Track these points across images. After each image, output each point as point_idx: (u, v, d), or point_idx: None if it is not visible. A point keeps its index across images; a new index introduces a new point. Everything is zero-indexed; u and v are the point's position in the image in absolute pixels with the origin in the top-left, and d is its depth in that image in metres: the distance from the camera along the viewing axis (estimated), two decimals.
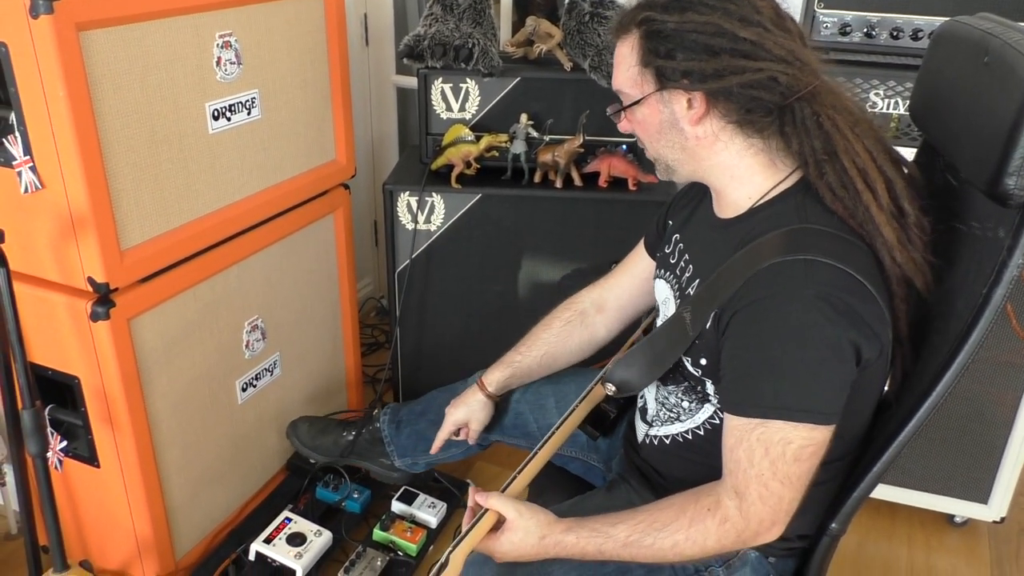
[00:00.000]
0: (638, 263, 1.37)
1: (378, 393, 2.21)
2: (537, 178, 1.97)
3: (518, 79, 1.93)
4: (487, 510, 1.10)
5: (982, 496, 1.86)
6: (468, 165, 1.94)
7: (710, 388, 1.07)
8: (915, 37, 1.66)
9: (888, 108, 1.70)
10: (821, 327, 0.92)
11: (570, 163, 1.92)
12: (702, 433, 1.12)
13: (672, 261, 1.19)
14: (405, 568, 1.71)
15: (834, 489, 1.10)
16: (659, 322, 1.24)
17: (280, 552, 1.64)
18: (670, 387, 1.16)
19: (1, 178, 1.31)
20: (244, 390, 1.73)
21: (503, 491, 1.16)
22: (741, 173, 1.05)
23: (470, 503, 1.14)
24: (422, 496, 1.84)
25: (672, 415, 1.16)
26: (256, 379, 1.76)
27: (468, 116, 1.97)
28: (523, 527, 1.07)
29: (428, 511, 1.81)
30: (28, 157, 1.27)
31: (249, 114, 1.57)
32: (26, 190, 1.28)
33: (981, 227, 0.99)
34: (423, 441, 1.62)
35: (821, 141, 0.99)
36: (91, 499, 1.58)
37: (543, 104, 1.94)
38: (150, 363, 1.47)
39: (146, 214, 1.39)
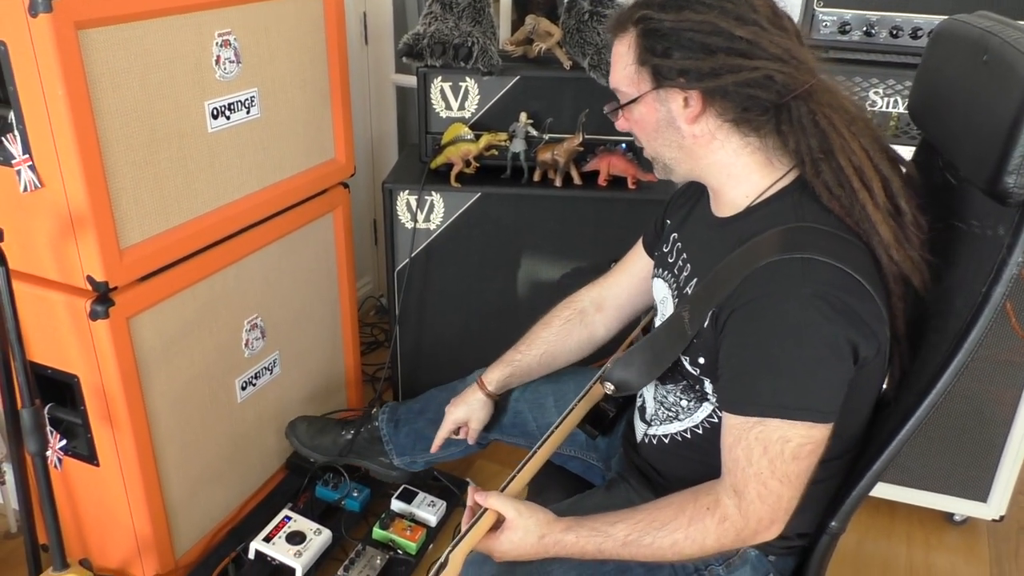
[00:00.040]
0: (636, 262, 1.37)
1: (377, 392, 2.21)
2: (536, 177, 1.97)
3: (517, 78, 1.93)
4: (486, 509, 1.10)
5: (981, 494, 1.86)
6: (467, 164, 1.94)
7: (708, 387, 1.07)
8: (914, 35, 1.66)
9: (887, 107, 1.70)
10: (818, 325, 0.92)
11: (569, 162, 1.92)
12: (700, 432, 1.12)
13: (670, 260, 1.19)
14: (405, 567, 1.71)
15: (833, 487, 1.10)
16: (657, 321, 1.24)
17: (280, 550, 1.64)
18: (668, 386, 1.16)
19: (0, 177, 1.31)
20: (243, 389, 1.73)
21: (502, 490, 1.16)
22: (738, 172, 1.05)
23: (469, 502, 1.14)
24: (421, 495, 1.84)
25: (671, 414, 1.16)
26: (255, 378, 1.76)
27: (467, 115, 1.97)
28: (522, 526, 1.07)
29: (427, 510, 1.81)
30: (27, 156, 1.27)
31: (248, 113, 1.57)
32: (25, 189, 1.28)
33: (980, 225, 0.99)
34: (422, 440, 1.62)
35: (817, 139, 0.99)
36: (91, 498, 1.58)
37: (542, 103, 1.94)
38: (149, 362, 1.47)
39: (145, 213, 1.39)
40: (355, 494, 1.83)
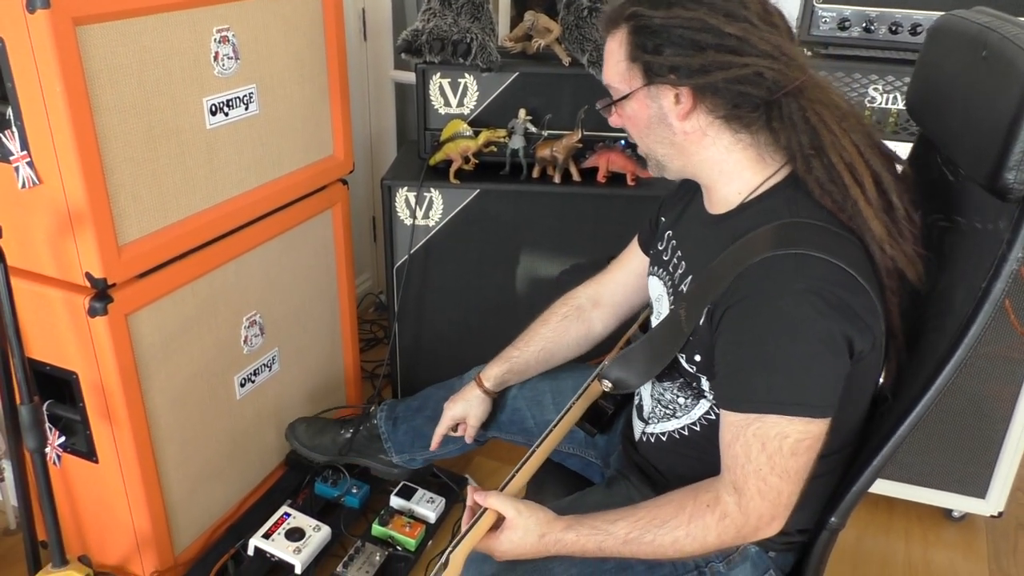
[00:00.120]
0: (632, 260, 1.37)
1: (376, 388, 2.21)
2: (535, 173, 1.97)
3: (516, 74, 1.93)
4: (486, 509, 1.10)
5: (980, 491, 1.86)
6: (466, 160, 1.94)
7: (705, 384, 1.08)
8: (914, 32, 1.66)
9: (887, 103, 1.69)
10: (813, 321, 0.92)
11: (568, 158, 1.92)
12: (698, 429, 1.12)
13: (665, 258, 1.20)
14: (404, 563, 1.71)
15: (832, 482, 1.10)
16: (653, 319, 1.24)
17: (279, 547, 1.64)
18: (665, 383, 1.16)
19: None
20: (242, 386, 1.73)
21: (502, 489, 1.16)
22: (730, 168, 1.05)
23: (469, 502, 1.14)
24: (421, 491, 1.84)
25: (668, 411, 1.16)
26: (254, 375, 1.76)
27: (466, 111, 1.97)
28: (523, 525, 1.07)
29: (427, 506, 1.81)
30: (25, 152, 1.27)
31: (247, 109, 1.56)
32: (23, 185, 1.28)
33: (980, 221, 0.99)
34: (420, 437, 1.62)
35: (808, 136, 0.99)
36: (90, 494, 1.58)
37: (541, 99, 1.94)
38: (148, 358, 1.47)
39: (144, 209, 1.39)
40: (354, 491, 1.83)
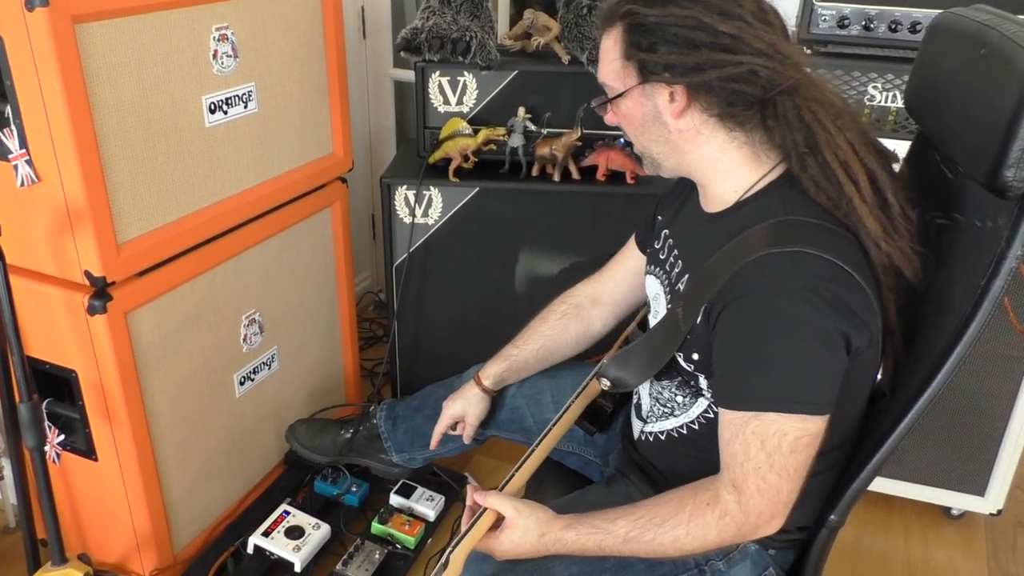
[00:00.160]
0: (629, 258, 1.37)
1: (376, 387, 2.21)
2: (535, 171, 1.97)
3: (516, 72, 1.92)
4: (486, 509, 1.10)
5: (979, 489, 1.86)
6: (466, 158, 1.94)
7: (703, 383, 1.08)
8: (913, 30, 1.66)
9: (886, 101, 1.69)
10: (809, 318, 0.92)
11: (568, 156, 1.92)
12: (697, 428, 1.12)
13: (662, 257, 1.20)
14: (403, 561, 1.72)
15: (832, 479, 1.10)
16: (651, 318, 1.24)
17: (278, 545, 1.64)
18: (663, 382, 1.16)
19: None
20: (242, 384, 1.73)
21: (501, 488, 1.16)
22: (725, 166, 1.05)
23: (469, 502, 1.14)
24: (420, 489, 1.84)
25: (666, 410, 1.17)
26: (254, 373, 1.76)
27: (466, 109, 1.96)
28: (522, 525, 1.07)
29: (426, 504, 1.82)
30: (24, 150, 1.26)
31: (246, 107, 1.56)
32: (22, 183, 1.28)
33: (979, 219, 0.99)
34: (420, 436, 1.62)
35: (803, 134, 0.99)
36: (89, 493, 1.58)
37: (541, 97, 1.94)
38: (147, 357, 1.47)
39: (143, 207, 1.39)
40: (354, 489, 1.83)
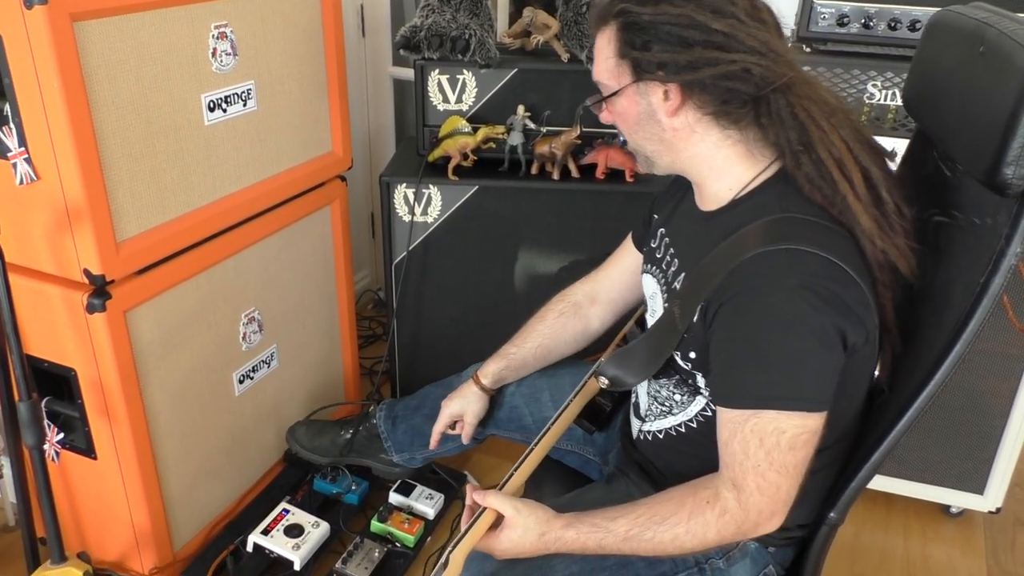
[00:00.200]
0: (626, 257, 1.37)
1: (375, 385, 2.21)
2: (534, 170, 1.97)
3: (515, 70, 1.92)
4: (485, 508, 1.10)
5: (978, 487, 1.87)
6: (465, 157, 1.94)
7: (701, 381, 1.08)
8: (912, 28, 1.66)
9: (886, 99, 1.69)
10: (806, 316, 0.92)
11: (567, 155, 1.92)
12: (695, 426, 1.12)
13: (658, 256, 1.20)
14: (403, 559, 1.72)
15: (831, 476, 1.10)
16: (648, 317, 1.24)
17: (278, 543, 1.64)
18: (661, 380, 1.16)
19: None
20: (241, 382, 1.73)
21: (501, 488, 1.16)
22: (719, 164, 1.05)
23: (468, 501, 1.14)
24: (420, 488, 1.84)
25: (664, 408, 1.17)
26: (253, 371, 1.76)
27: (465, 107, 1.96)
28: (522, 524, 1.07)
29: (426, 502, 1.82)
30: (23, 149, 1.26)
31: (245, 105, 1.56)
32: (21, 182, 1.28)
33: (978, 216, 0.99)
34: (419, 436, 1.62)
35: (796, 132, 0.99)
36: (88, 491, 1.58)
37: (540, 95, 1.94)
38: (147, 355, 1.47)
39: (142, 206, 1.39)
40: (353, 487, 1.83)
